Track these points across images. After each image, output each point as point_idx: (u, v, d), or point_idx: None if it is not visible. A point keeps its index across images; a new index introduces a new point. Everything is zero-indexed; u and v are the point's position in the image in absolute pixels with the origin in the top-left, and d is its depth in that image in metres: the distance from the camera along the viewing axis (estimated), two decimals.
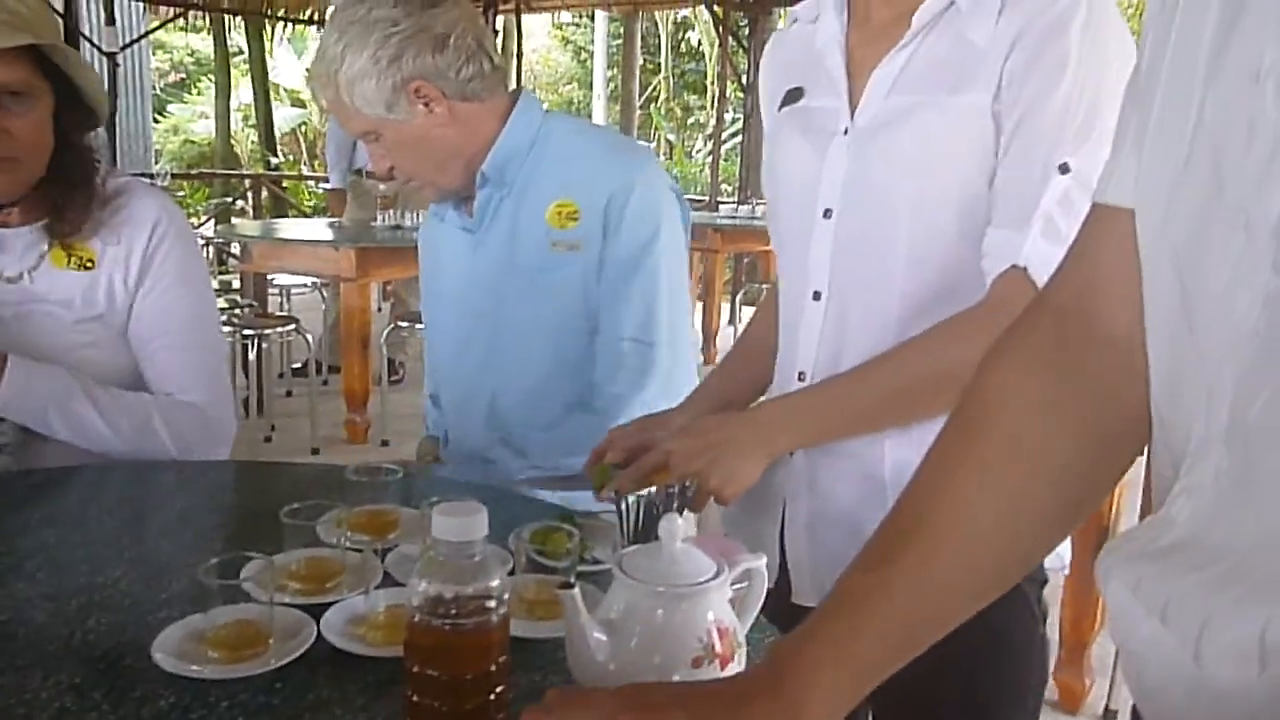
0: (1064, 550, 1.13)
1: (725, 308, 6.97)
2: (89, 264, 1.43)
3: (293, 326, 4.53)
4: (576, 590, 0.74)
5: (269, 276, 5.49)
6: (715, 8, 9.10)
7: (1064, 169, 0.98)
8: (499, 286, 1.52)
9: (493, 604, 0.70)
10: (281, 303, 6.30)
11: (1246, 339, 0.45)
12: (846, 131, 1.09)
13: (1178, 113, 0.50)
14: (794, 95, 1.17)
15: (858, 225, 1.08)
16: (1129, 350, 0.60)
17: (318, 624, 0.88)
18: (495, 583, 0.70)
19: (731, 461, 1.05)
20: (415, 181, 1.53)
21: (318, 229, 5.11)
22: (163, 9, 9.48)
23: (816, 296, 1.12)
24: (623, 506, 1.00)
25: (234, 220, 8.96)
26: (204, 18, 10.80)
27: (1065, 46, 0.97)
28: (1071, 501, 0.67)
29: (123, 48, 8.04)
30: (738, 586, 0.84)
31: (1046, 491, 0.66)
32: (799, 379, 1.15)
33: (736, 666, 0.77)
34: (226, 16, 10.91)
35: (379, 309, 6.95)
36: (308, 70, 1.48)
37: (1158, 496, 0.56)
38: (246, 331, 4.40)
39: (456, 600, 0.69)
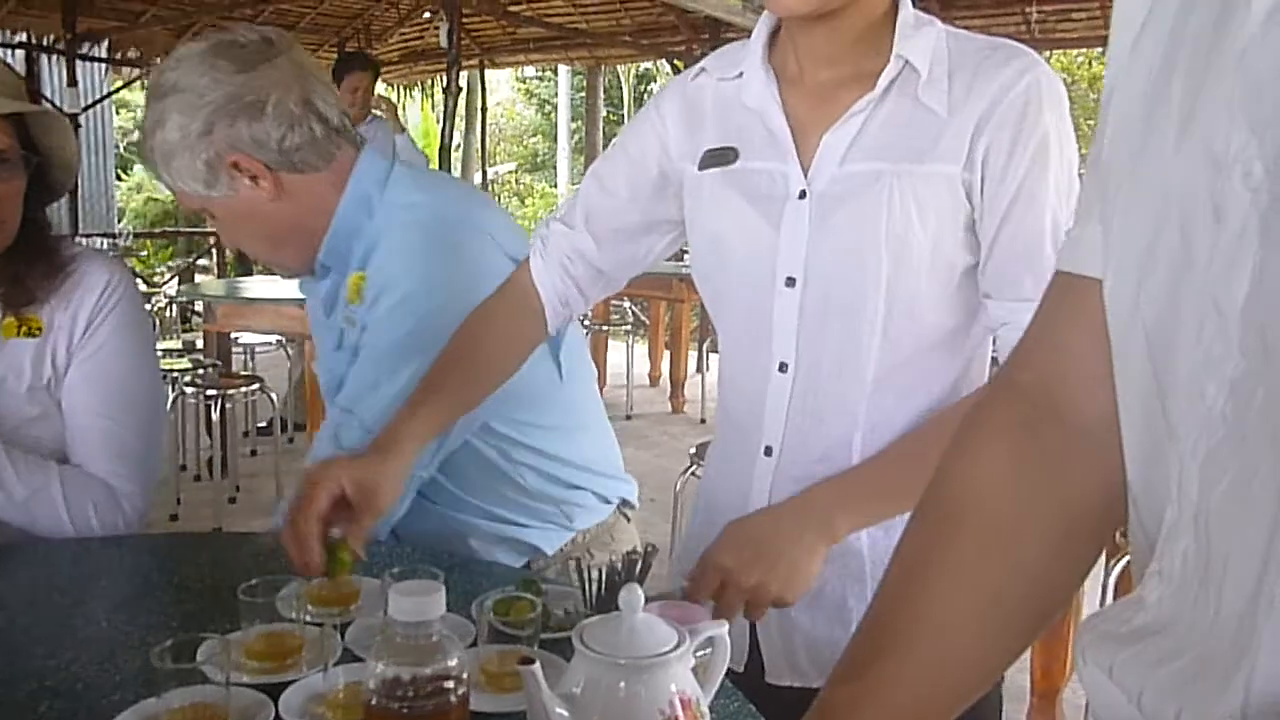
0: None
1: (693, 356, 6.99)
2: (37, 331, 1.42)
3: (257, 386, 4.49)
4: (537, 665, 0.74)
5: (232, 335, 5.45)
6: (676, 61, 9.25)
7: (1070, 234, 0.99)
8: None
9: (451, 684, 0.69)
10: (246, 361, 6.25)
11: (1215, 422, 0.45)
12: (803, 196, 1.05)
13: (1148, 186, 0.50)
14: (724, 156, 1.11)
15: (827, 294, 1.06)
16: (1098, 431, 0.59)
17: (275, 704, 0.87)
18: (454, 662, 0.70)
19: (791, 562, 1.01)
20: (260, 256, 1.46)
21: (281, 286, 5.09)
22: (125, 69, 9.50)
23: (783, 368, 1.09)
24: (584, 575, 1.00)
25: (198, 278, 8.91)
26: None
27: (1043, 121, 0.99)
28: (1047, 592, 0.65)
29: (85, 109, 8.03)
30: (700, 654, 0.84)
31: (1021, 587, 0.64)
32: (766, 454, 1.11)
33: None
34: None
35: None
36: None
37: (1135, 575, 0.55)
38: (210, 392, 4.35)
39: (414, 682, 0.68)
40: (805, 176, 1.06)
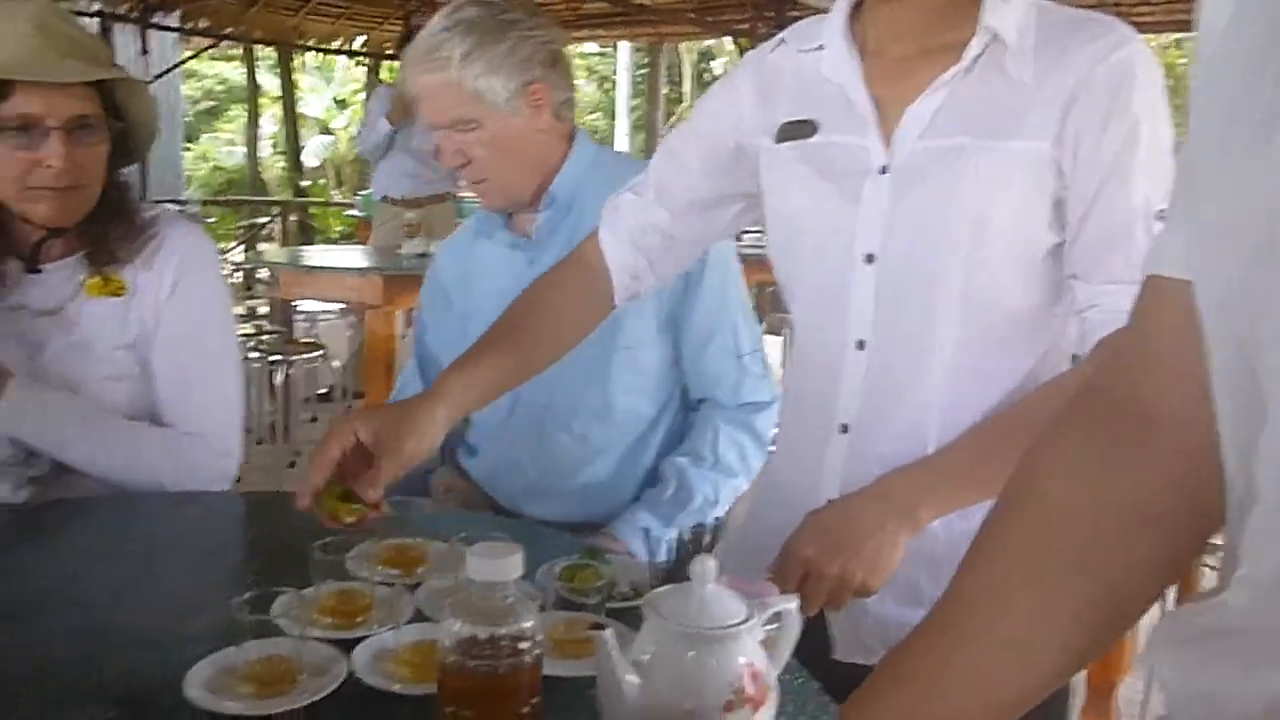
0: None
1: None
2: (120, 291, 1.45)
3: (319, 354, 4.56)
4: (610, 631, 0.74)
5: (294, 303, 5.55)
6: (740, 39, 9.16)
7: (1160, 215, 0.97)
8: None
9: (526, 645, 0.70)
10: (308, 328, 6.35)
11: None
12: (884, 171, 1.04)
13: (1233, 187, 0.48)
14: (803, 129, 1.10)
15: (906, 270, 1.04)
16: (1184, 435, 0.58)
17: (347, 659, 0.88)
18: (529, 623, 0.70)
19: (875, 550, 1.00)
20: (486, 183, 1.57)
21: (345, 256, 5.16)
22: (195, 39, 9.65)
23: (860, 345, 1.07)
24: (652, 546, 1.00)
25: (261, 246, 9.06)
26: (235, 47, 10.97)
27: (1135, 97, 0.97)
28: (1111, 591, 0.62)
29: (156, 77, 8.18)
30: (769, 628, 0.84)
31: (1081, 581, 0.62)
32: (842, 431, 1.10)
33: (769, 711, 0.77)
34: (257, 46, 11.08)
35: (403, 336, 6.99)
36: (409, 54, 1.51)
37: (1222, 571, 0.54)
38: (273, 358, 4.43)
39: (490, 641, 0.69)
40: (886, 150, 1.04)
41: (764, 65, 1.16)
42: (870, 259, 1.05)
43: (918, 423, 1.07)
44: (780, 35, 1.16)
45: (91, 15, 8.00)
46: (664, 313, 1.55)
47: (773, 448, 1.39)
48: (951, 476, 1.04)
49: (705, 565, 0.79)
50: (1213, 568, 2.20)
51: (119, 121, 1.43)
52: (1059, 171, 0.99)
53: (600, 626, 0.74)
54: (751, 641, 0.78)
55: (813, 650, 1.11)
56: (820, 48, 1.10)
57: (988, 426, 1.05)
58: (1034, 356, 1.07)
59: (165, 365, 1.47)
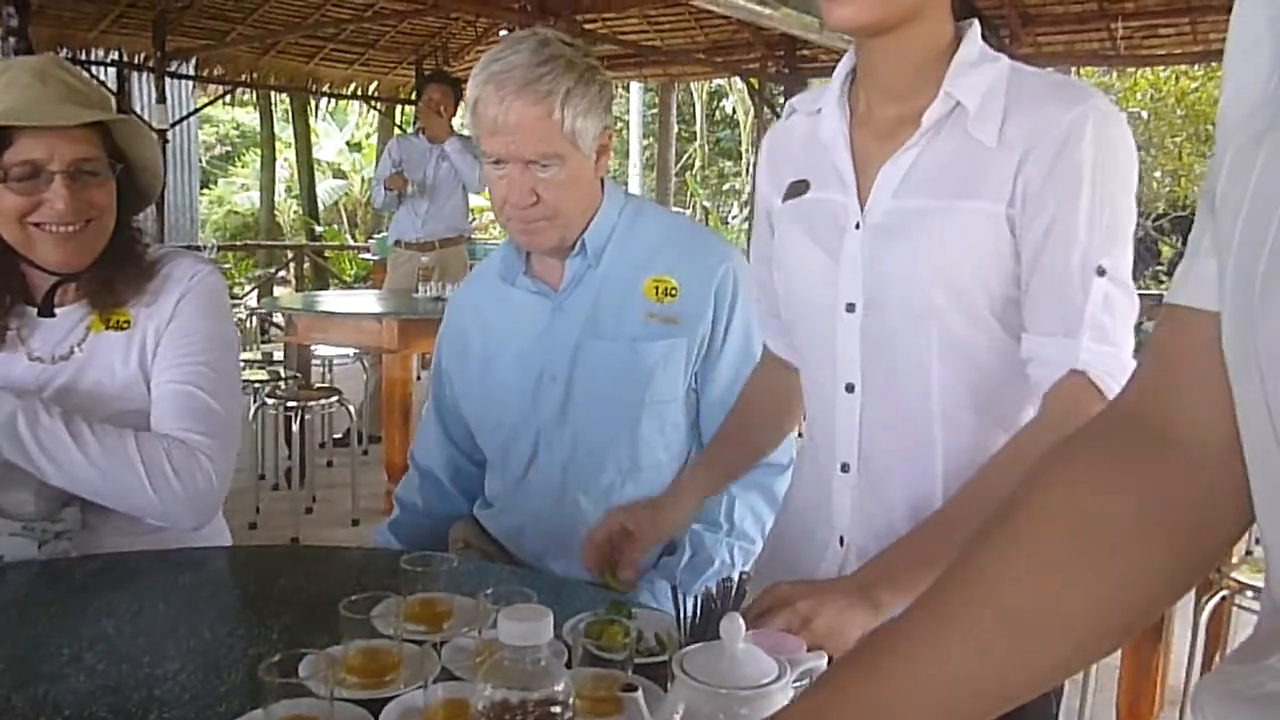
0: None
1: None
2: (124, 324, 1.47)
3: (335, 399, 4.57)
4: (640, 693, 0.74)
5: (311, 347, 5.56)
6: (750, 79, 9.25)
7: (1100, 271, 1.00)
8: (580, 352, 1.55)
9: (558, 709, 0.70)
10: (323, 373, 6.37)
11: None
12: (858, 227, 1.10)
13: (1264, 223, 0.48)
14: (799, 188, 1.19)
15: (884, 320, 1.10)
16: (1205, 451, 0.58)
17: (376, 719, 0.88)
18: (560, 686, 0.70)
19: (836, 612, 0.99)
20: (547, 222, 1.52)
21: (360, 301, 5.20)
22: (211, 86, 9.80)
23: (850, 389, 1.14)
24: (679, 601, 1.00)
25: (277, 291, 9.12)
26: (250, 94, 11.13)
27: (1080, 156, 1.00)
28: (1130, 590, 0.61)
29: (173, 125, 8.30)
30: (798, 685, 0.84)
31: (1103, 578, 0.61)
32: (843, 470, 1.16)
33: None
34: (273, 92, 11.23)
35: (418, 378, 7.02)
36: (500, 80, 1.44)
37: (1262, 629, 0.53)
38: (290, 404, 4.44)
39: (522, 706, 0.69)
40: (862, 209, 1.10)
41: (780, 135, 1.27)
42: (851, 308, 1.11)
43: (920, 462, 1.12)
44: (790, 103, 1.26)
45: (110, 64, 8.14)
46: (692, 367, 1.55)
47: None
48: (913, 559, 1.01)
49: (735, 624, 0.79)
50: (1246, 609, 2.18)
51: (120, 164, 1.45)
52: (1012, 229, 1.04)
53: (630, 687, 0.74)
54: (783, 699, 0.77)
55: None
56: (819, 111, 1.18)
57: (950, 507, 1.06)
58: (1031, 396, 1.07)
59: (159, 376, 1.46)
